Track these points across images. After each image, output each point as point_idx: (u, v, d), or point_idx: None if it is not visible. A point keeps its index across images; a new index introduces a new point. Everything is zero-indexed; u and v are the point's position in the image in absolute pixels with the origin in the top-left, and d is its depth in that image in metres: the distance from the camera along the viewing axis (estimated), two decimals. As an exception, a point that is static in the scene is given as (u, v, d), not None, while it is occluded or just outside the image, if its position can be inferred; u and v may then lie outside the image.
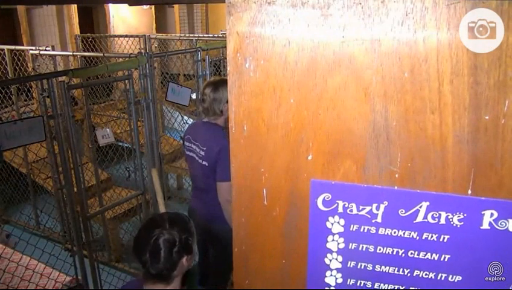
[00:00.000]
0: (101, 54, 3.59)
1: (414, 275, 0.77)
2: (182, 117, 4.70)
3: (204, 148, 2.18)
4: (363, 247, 0.78)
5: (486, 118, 0.66)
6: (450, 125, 0.68)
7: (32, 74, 3.56)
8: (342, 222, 0.77)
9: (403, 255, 0.76)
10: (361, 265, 0.79)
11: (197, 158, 2.24)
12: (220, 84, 2.18)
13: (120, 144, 4.26)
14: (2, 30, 5.72)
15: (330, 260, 0.80)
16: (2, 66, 4.36)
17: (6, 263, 2.54)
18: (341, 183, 0.75)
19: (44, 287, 2.49)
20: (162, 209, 2.58)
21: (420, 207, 0.72)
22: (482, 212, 0.70)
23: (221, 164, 2.10)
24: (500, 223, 0.70)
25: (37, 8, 5.70)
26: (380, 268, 0.79)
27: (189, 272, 1.59)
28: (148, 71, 2.79)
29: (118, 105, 5.25)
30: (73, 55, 3.78)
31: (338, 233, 0.78)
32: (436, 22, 0.64)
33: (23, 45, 5.11)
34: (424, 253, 0.75)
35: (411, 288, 0.79)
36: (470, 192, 0.70)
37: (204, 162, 2.18)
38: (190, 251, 1.43)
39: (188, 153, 2.32)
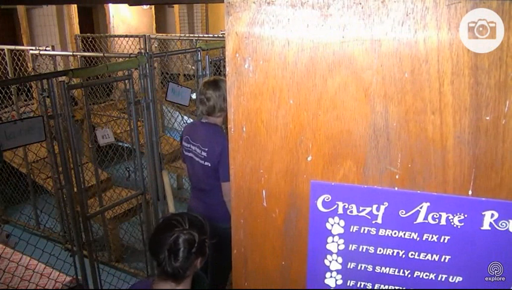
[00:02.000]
0: (101, 54, 3.59)
1: (414, 276, 0.77)
2: (182, 117, 4.70)
3: (206, 149, 2.18)
4: (363, 248, 0.78)
5: (487, 118, 0.65)
6: (450, 125, 0.67)
7: (32, 74, 3.56)
8: (342, 223, 0.77)
9: (404, 256, 0.76)
10: (361, 266, 0.79)
11: (197, 159, 2.24)
12: (219, 81, 2.20)
13: (120, 144, 4.26)
14: (2, 30, 5.72)
15: (330, 262, 0.80)
16: (2, 66, 4.36)
17: (6, 263, 2.54)
18: (341, 184, 0.75)
19: (44, 287, 2.49)
20: (172, 211, 2.60)
21: (420, 208, 0.72)
22: (483, 213, 0.70)
23: (223, 164, 2.11)
24: (501, 224, 0.69)
25: (37, 8, 5.70)
26: (380, 269, 0.78)
27: (200, 275, 1.60)
28: (148, 71, 2.79)
29: (118, 105, 5.25)
30: (73, 55, 3.78)
31: (338, 234, 0.78)
32: (437, 22, 0.64)
33: (23, 45, 5.10)
34: (425, 254, 0.75)
35: (411, 289, 0.78)
36: (470, 193, 0.70)
37: (206, 163, 2.18)
38: (205, 253, 1.44)
39: (186, 153, 2.32)
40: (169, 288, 1.42)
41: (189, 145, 2.30)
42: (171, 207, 2.65)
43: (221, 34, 5.78)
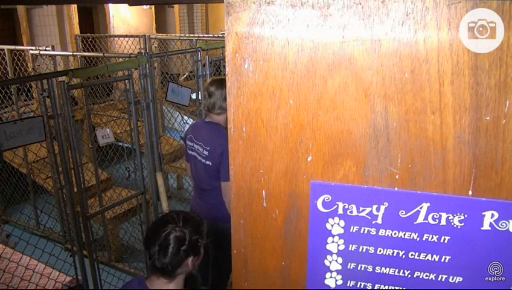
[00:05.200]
0: (101, 54, 3.59)
1: (414, 276, 0.77)
2: (182, 117, 4.70)
3: (208, 148, 2.18)
4: (363, 248, 0.77)
5: (487, 118, 0.65)
6: (450, 126, 0.67)
7: (32, 74, 3.56)
8: (342, 223, 0.77)
9: (404, 256, 0.76)
10: (361, 267, 0.79)
11: (199, 158, 2.24)
12: (225, 80, 2.21)
13: (120, 144, 4.26)
14: (2, 30, 5.72)
15: (330, 262, 0.80)
16: (2, 66, 4.36)
17: (6, 263, 2.54)
18: (341, 184, 0.75)
19: (44, 287, 2.49)
20: (165, 211, 2.61)
21: (421, 208, 0.72)
22: (483, 213, 0.70)
23: (225, 165, 2.11)
24: (501, 224, 0.69)
25: (37, 8, 5.70)
26: (380, 269, 0.78)
27: (193, 274, 1.60)
28: (148, 71, 2.79)
29: (118, 105, 5.25)
30: (73, 55, 3.78)
31: (338, 234, 0.78)
32: (437, 22, 0.64)
33: (23, 45, 5.10)
34: (425, 254, 0.75)
35: (411, 289, 0.78)
36: (470, 193, 0.69)
37: (208, 162, 2.19)
38: (197, 252, 1.45)
39: (190, 152, 2.33)
40: (162, 286, 1.43)
41: (192, 144, 2.31)
42: (164, 207, 2.67)
43: (221, 34, 5.77)
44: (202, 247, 1.47)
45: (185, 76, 5.57)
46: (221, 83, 2.20)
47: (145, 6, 6.94)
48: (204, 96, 2.26)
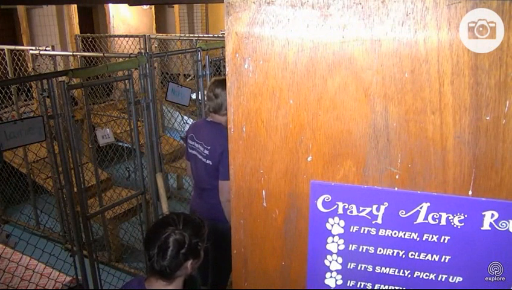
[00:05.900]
0: (101, 54, 3.59)
1: (414, 276, 0.77)
2: (182, 117, 4.70)
3: (209, 147, 2.19)
4: (363, 248, 0.78)
5: (487, 118, 0.65)
6: (450, 126, 0.67)
7: (32, 74, 3.56)
8: (342, 223, 0.77)
9: (404, 256, 0.76)
10: (361, 266, 0.79)
11: (200, 157, 2.24)
12: None
13: (120, 144, 4.26)
14: (2, 30, 5.72)
15: (330, 262, 0.80)
16: (2, 66, 4.36)
17: (6, 263, 2.54)
18: (341, 184, 0.75)
19: (44, 287, 2.50)
20: (165, 212, 2.61)
21: (421, 208, 0.72)
22: (483, 213, 0.70)
23: (224, 164, 2.11)
24: (501, 224, 0.69)
25: (37, 8, 5.70)
26: (380, 269, 0.78)
27: (192, 275, 1.60)
28: (148, 71, 2.78)
29: (118, 105, 5.25)
30: (73, 55, 3.78)
31: (338, 234, 0.78)
32: (437, 22, 0.64)
33: (23, 45, 5.11)
34: (425, 254, 0.75)
35: (411, 289, 0.78)
36: (470, 193, 0.70)
37: (208, 161, 2.19)
38: (197, 255, 1.44)
39: (190, 151, 2.33)
40: (160, 287, 1.42)
41: (193, 143, 2.31)
42: (164, 208, 2.67)
43: (221, 34, 5.77)
44: (202, 250, 1.46)
45: (189, 79, 5.58)
46: (226, 84, 2.19)
47: (145, 6, 6.94)
48: (209, 98, 2.24)
